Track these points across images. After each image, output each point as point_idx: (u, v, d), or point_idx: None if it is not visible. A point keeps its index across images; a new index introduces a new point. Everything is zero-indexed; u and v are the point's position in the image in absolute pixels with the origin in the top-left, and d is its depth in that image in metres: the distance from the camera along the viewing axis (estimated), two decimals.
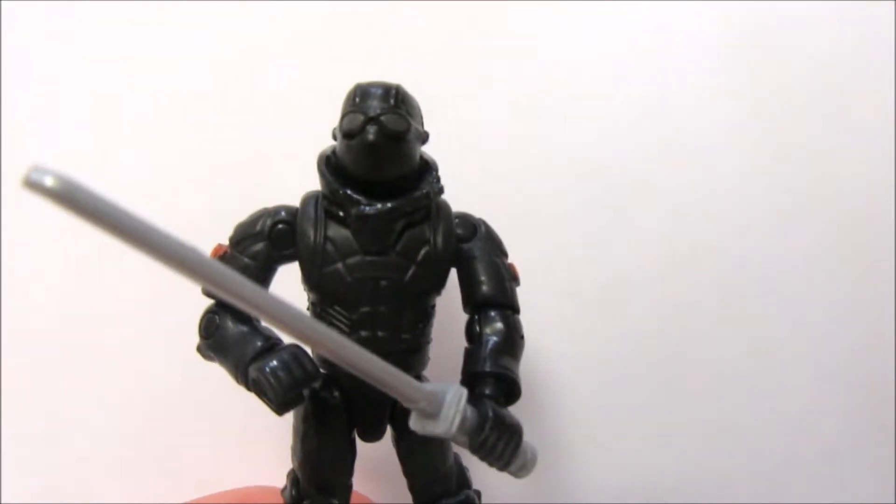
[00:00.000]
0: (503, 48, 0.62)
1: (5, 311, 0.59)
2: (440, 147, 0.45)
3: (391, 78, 0.43)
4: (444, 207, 0.44)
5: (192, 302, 0.41)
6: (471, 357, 0.43)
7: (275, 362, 0.38)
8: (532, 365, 0.61)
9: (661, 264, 0.63)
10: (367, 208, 0.41)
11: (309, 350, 0.39)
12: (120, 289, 0.59)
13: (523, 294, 0.45)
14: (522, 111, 0.62)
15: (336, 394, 0.43)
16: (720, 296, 0.63)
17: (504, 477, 0.41)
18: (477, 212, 0.46)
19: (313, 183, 0.44)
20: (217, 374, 0.41)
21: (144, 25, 0.60)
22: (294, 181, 0.45)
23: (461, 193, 0.45)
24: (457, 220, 0.45)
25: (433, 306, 0.45)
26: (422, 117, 0.43)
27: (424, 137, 0.43)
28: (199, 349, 0.42)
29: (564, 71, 0.62)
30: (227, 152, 0.60)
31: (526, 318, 0.44)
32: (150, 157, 0.60)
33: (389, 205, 0.41)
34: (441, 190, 0.44)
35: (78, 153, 0.59)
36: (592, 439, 0.63)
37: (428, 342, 0.45)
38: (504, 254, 0.46)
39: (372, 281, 0.41)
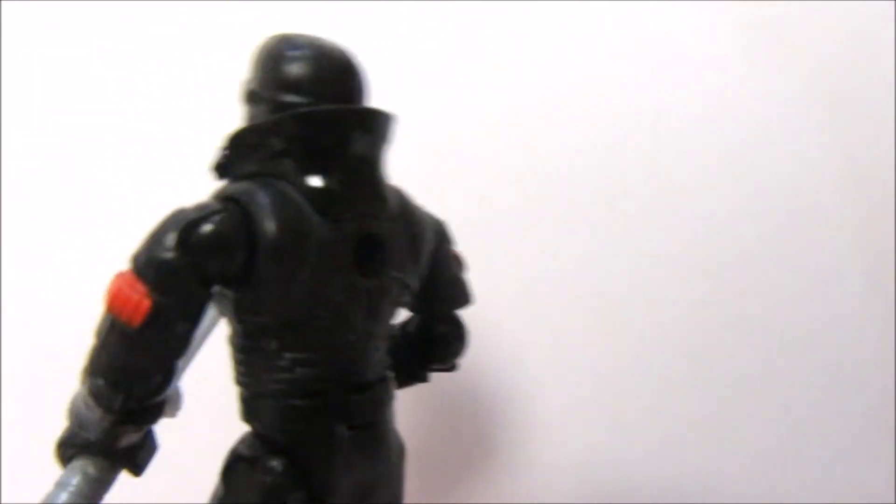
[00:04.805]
0: (500, 43, 0.62)
1: (6, 310, 0.59)
2: (437, 145, 0.44)
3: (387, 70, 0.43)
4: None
5: None
6: None
7: None
8: (530, 364, 0.61)
9: (663, 263, 0.63)
10: None
11: None
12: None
13: (524, 292, 0.44)
14: (519, 109, 0.62)
15: None
16: (723, 295, 0.63)
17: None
18: (473, 209, 0.45)
19: None
20: (220, 376, 0.41)
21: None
22: None
23: (453, 190, 0.45)
24: None
25: None
26: (253, 71, 0.40)
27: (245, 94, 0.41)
28: None
29: (561, 68, 0.63)
30: None
31: (524, 318, 0.44)
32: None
33: None
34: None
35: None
36: (592, 438, 0.63)
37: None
38: None
39: None
